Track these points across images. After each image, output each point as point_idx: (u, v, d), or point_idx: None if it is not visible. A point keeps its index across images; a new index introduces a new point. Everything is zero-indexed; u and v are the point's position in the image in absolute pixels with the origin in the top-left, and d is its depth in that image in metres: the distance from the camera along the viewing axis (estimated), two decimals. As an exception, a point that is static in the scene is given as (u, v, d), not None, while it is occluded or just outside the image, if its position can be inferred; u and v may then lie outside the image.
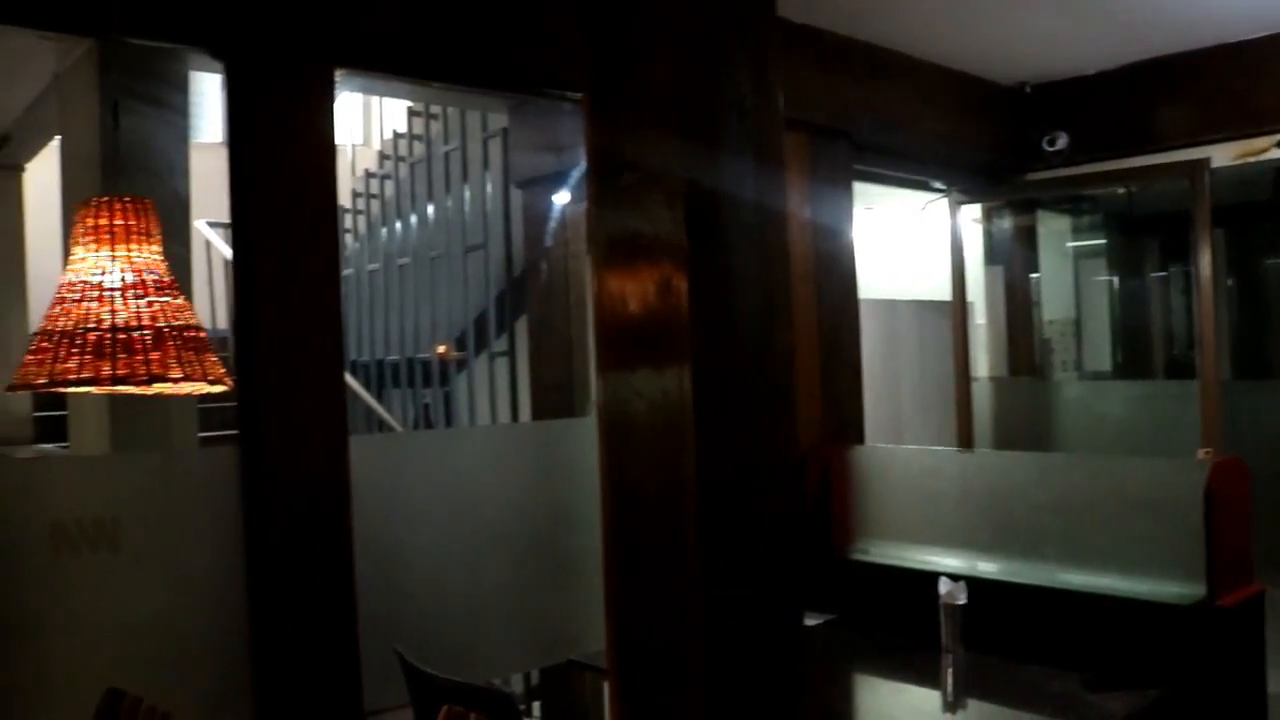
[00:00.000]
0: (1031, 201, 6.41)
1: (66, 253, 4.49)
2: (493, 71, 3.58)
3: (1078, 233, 7.43)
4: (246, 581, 3.08)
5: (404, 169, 7.24)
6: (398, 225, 7.21)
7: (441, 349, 6.64)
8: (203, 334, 1.83)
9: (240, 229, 3.06)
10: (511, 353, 5.91)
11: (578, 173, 5.18)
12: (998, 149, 5.51)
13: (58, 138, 5.75)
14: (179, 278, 2.31)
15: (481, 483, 3.73)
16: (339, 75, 3.24)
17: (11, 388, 1.77)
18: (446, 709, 2.43)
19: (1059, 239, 7.22)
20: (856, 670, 3.77)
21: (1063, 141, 5.27)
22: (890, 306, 6.22)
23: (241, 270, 3.06)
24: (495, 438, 4.23)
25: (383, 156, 7.87)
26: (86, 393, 1.85)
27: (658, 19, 1.78)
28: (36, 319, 5.95)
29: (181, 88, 4.34)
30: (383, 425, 6.43)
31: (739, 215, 1.74)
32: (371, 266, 7.55)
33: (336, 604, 3.12)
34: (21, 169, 6.74)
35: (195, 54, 3.42)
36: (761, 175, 1.78)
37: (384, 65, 3.38)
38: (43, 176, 6.77)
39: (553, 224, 5.29)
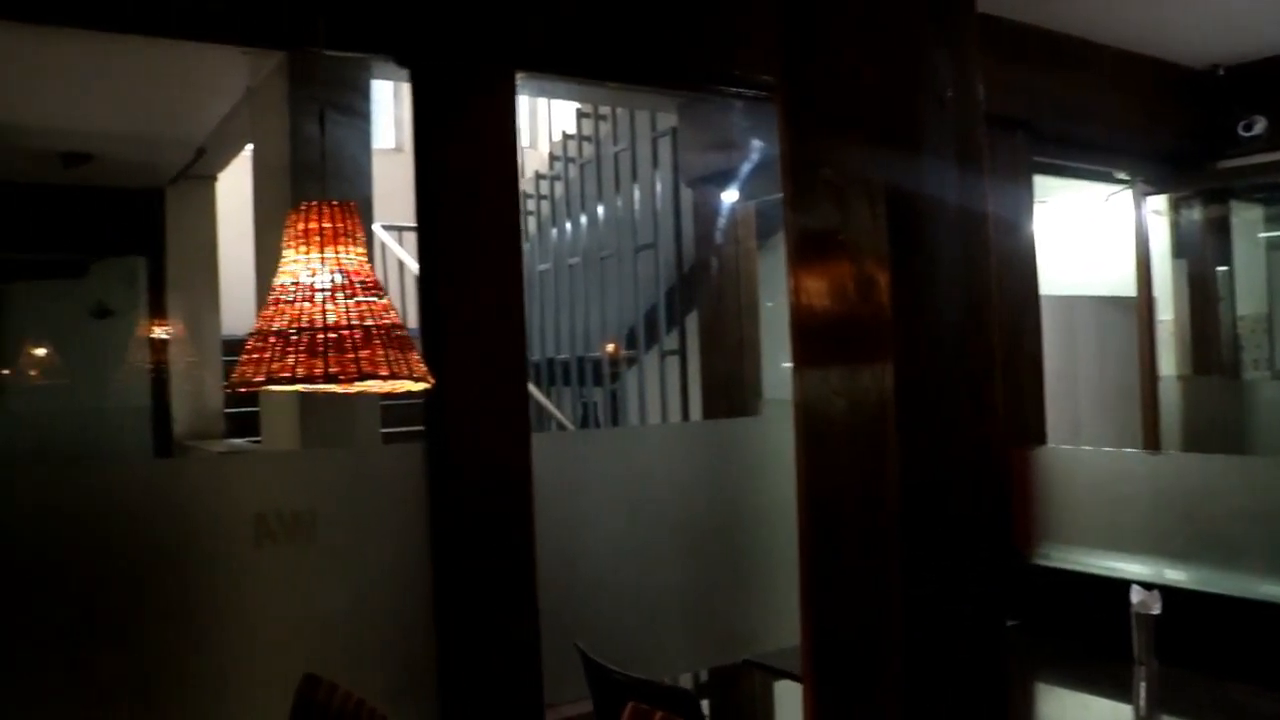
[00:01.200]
0: (1222, 191, 6.08)
1: (259, 256, 4.72)
2: (668, 70, 3.60)
3: (1271, 223, 7.02)
4: (433, 574, 3.17)
5: (573, 170, 7.34)
6: (567, 226, 7.32)
7: (610, 348, 6.71)
8: (405, 333, 1.89)
9: (426, 232, 3.15)
10: (682, 351, 5.93)
11: (747, 170, 5.16)
12: (1187, 136, 5.25)
13: (248, 148, 6.05)
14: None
15: (657, 481, 3.75)
16: (519, 78, 3.30)
17: (230, 386, 1.85)
18: (632, 706, 2.45)
19: (1250, 230, 6.84)
20: (1040, 679, 3.65)
21: (1261, 126, 4.98)
22: (1069, 303, 6.00)
23: (427, 272, 3.15)
24: (670, 436, 4.25)
25: (552, 158, 8.00)
26: (295, 391, 1.92)
27: (853, 11, 1.76)
28: (227, 319, 6.28)
29: (364, 96, 4.50)
30: (556, 424, 6.54)
31: (941, 212, 1.70)
32: (542, 267, 7.69)
33: (519, 598, 3.18)
34: (214, 179, 7.09)
35: (379, 63, 3.54)
36: (963, 170, 1.74)
37: (563, 67, 3.44)
38: (230, 186, 7.14)
39: (723, 222, 5.28)
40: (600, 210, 6.81)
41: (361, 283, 1.88)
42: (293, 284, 1.87)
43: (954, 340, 1.72)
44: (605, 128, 6.82)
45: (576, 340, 7.05)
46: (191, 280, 7.14)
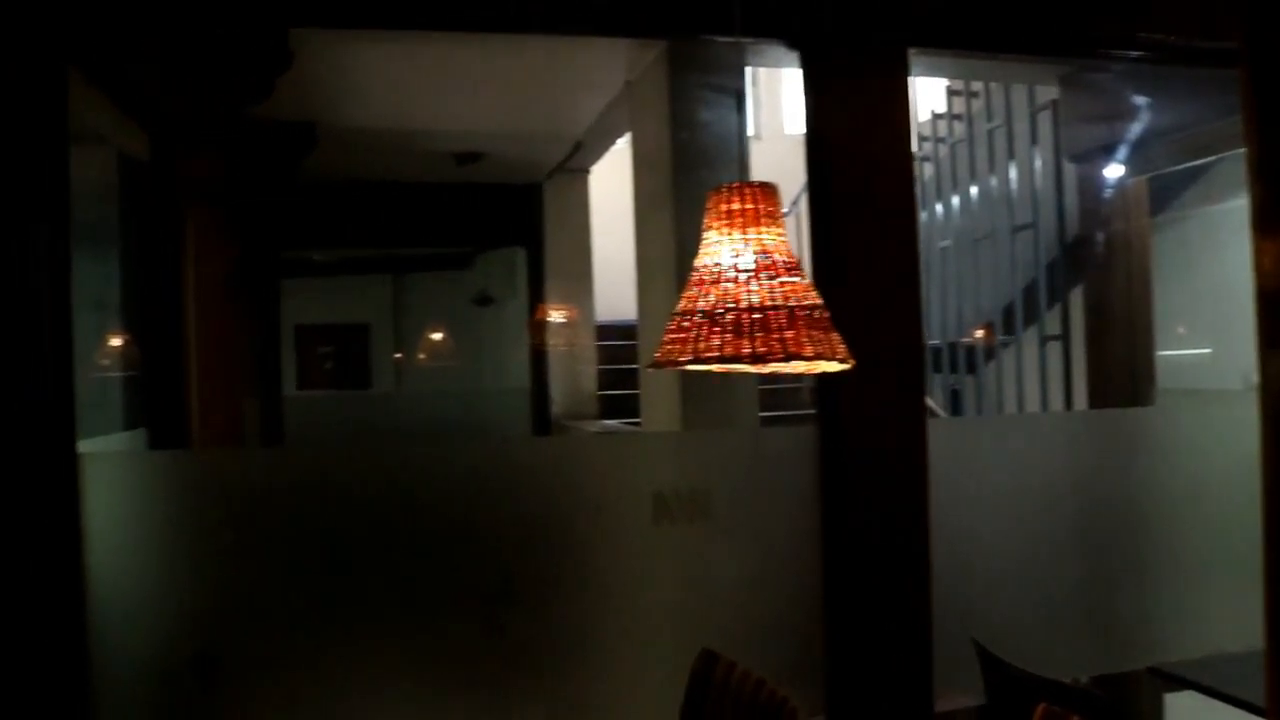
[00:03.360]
0: None
1: (639, 244, 4.87)
2: (1066, 37, 3.38)
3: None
4: (822, 557, 3.15)
5: (942, 150, 7.12)
6: (937, 208, 7.10)
7: (980, 333, 6.45)
8: (826, 314, 1.87)
9: (819, 214, 3.12)
10: (1065, 336, 5.60)
11: (1138, 142, 4.80)
12: None
13: (620, 140, 6.28)
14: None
15: (1048, 472, 3.55)
16: (911, 54, 3.21)
17: (656, 364, 1.90)
18: (1044, 708, 2.32)
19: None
20: None
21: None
22: None
23: (821, 254, 3.12)
24: (1061, 425, 4.01)
25: (920, 139, 7.79)
26: (714, 370, 1.94)
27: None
28: (599, 302, 6.54)
29: (740, 82, 4.55)
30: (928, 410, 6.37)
31: None
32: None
33: (911, 586, 3.11)
34: (587, 172, 7.42)
35: (759, 48, 3.55)
36: None
37: (957, 41, 3.30)
38: (598, 177, 7.44)
39: (1110, 198, 4.94)
40: (973, 190, 6.56)
41: (784, 263, 1.87)
42: (715, 265, 1.89)
43: None
44: (977, 104, 6.55)
45: (948, 325, 6.83)
46: (567, 269, 7.51)
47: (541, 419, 7.53)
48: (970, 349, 6.55)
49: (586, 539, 3.06)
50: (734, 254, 1.88)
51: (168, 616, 2.79)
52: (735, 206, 1.91)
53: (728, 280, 1.86)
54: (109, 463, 2.76)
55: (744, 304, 1.82)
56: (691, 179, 4.38)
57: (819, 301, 1.87)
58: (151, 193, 4.29)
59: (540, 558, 3.03)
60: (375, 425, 8.79)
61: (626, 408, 7.19)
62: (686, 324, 1.87)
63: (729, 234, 1.90)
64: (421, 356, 10.36)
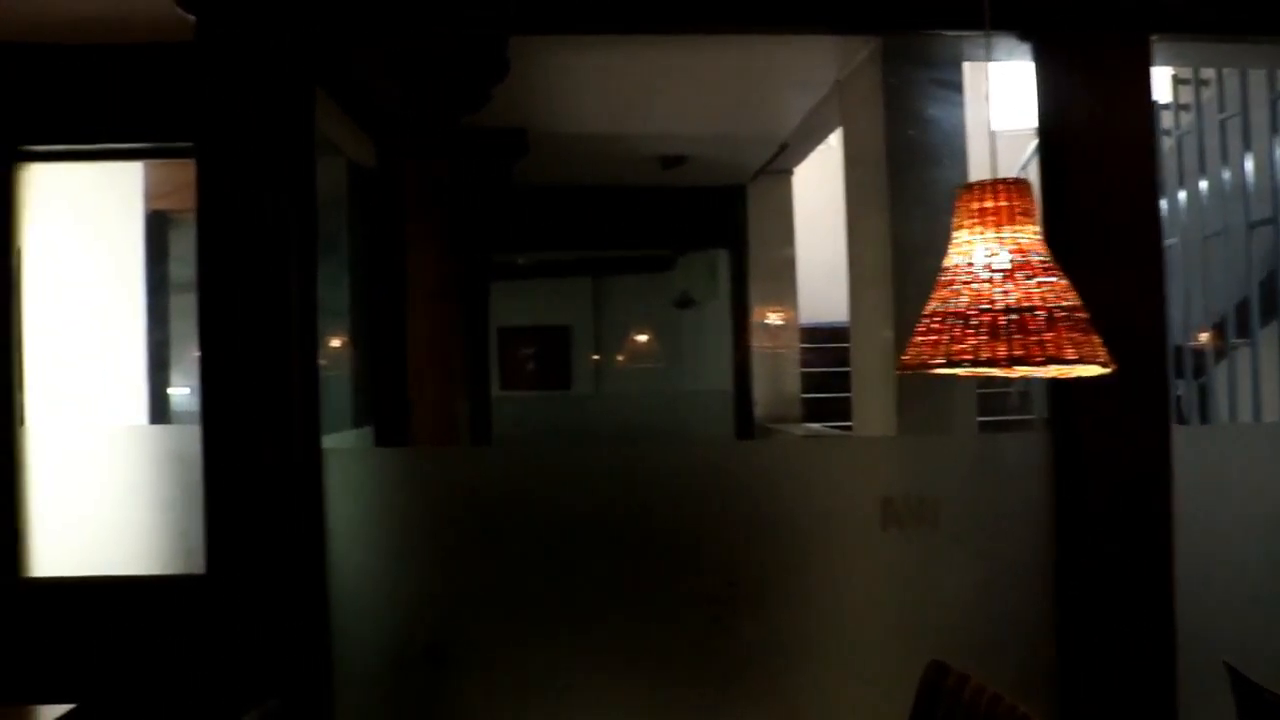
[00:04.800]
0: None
1: (851, 244, 4.80)
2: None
3: None
4: (1055, 568, 3.02)
5: (1167, 142, 6.75)
6: (1162, 204, 6.73)
7: (1205, 336, 6.08)
8: (1086, 315, 1.78)
9: (1054, 211, 3.00)
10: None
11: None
12: None
13: (826, 140, 6.20)
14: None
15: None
16: (1153, 42, 3.05)
17: (904, 368, 1.85)
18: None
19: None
20: None
21: None
22: None
23: (1056, 253, 2.99)
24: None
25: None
26: (965, 374, 1.87)
27: None
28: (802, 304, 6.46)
29: (957, 77, 4.41)
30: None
31: None
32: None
33: (1152, 603, 2.95)
34: (790, 173, 7.37)
35: (974, 41, 3.45)
36: None
37: (1203, 27, 3.12)
38: (800, 178, 7.37)
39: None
40: (1202, 185, 6.19)
41: (1040, 263, 1.79)
42: (967, 264, 1.83)
43: None
44: (1205, 93, 6.17)
45: (1174, 327, 6.46)
46: (771, 271, 7.48)
47: (744, 422, 7.50)
48: (1198, 352, 6.18)
49: (812, 543, 3.02)
50: (987, 253, 1.81)
51: (398, 605, 2.90)
52: (988, 204, 1.84)
53: (981, 280, 1.80)
54: (347, 458, 2.88)
55: (999, 305, 1.75)
56: (910, 178, 4.28)
57: (1078, 302, 1.79)
58: (377, 199, 4.47)
59: (761, 561, 3.01)
60: (576, 426, 8.94)
61: (830, 411, 7.10)
62: (937, 325, 1.82)
63: (981, 233, 1.84)
64: (620, 358, 10.48)
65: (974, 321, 1.75)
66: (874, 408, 4.50)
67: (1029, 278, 1.77)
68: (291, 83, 2.68)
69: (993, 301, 1.76)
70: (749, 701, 3.00)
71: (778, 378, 7.43)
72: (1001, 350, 1.70)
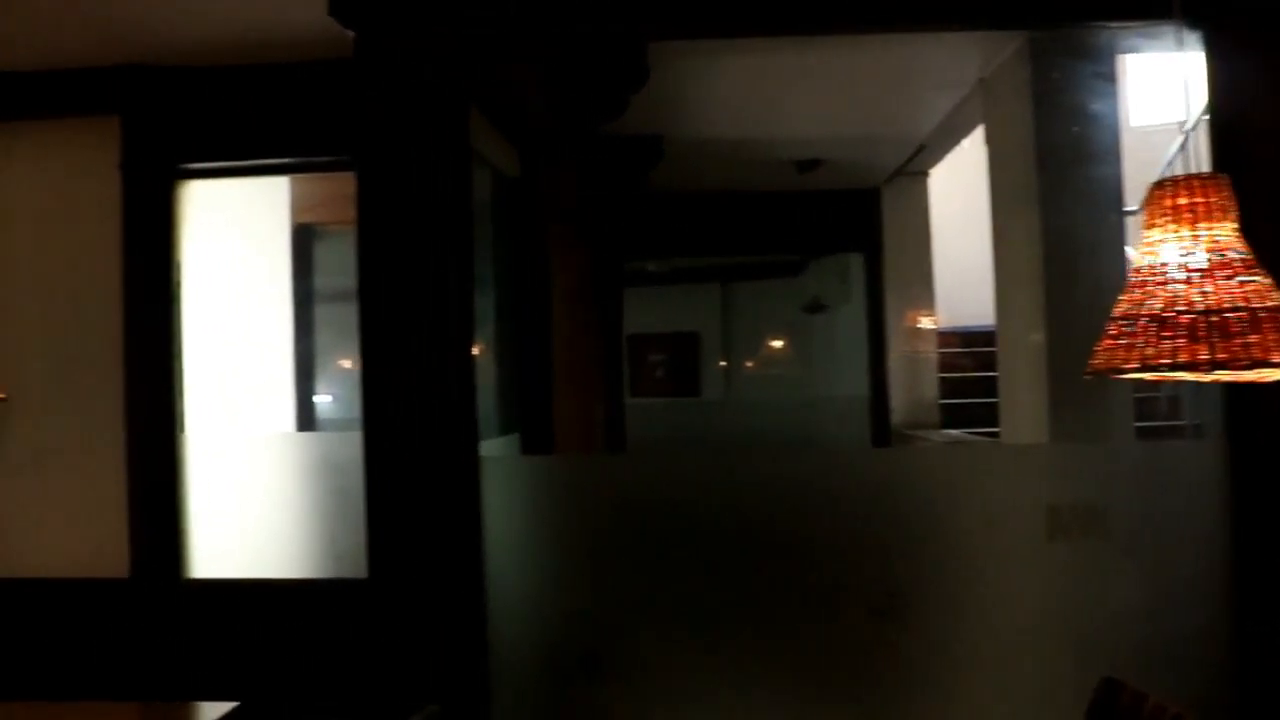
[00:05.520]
0: None
1: (997, 246, 4.67)
2: None
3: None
4: (1233, 581, 2.88)
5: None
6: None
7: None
8: (1290, 315, 1.68)
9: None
10: None
11: None
12: None
13: (964, 141, 6.06)
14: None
15: None
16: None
17: (1093, 372, 1.77)
18: None
19: None
20: None
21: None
22: None
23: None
24: None
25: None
26: (1161, 379, 1.79)
27: None
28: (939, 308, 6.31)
29: (1110, 69, 4.26)
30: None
31: None
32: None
33: (1343, 620, 2.79)
34: (926, 175, 7.23)
35: (1126, 32, 3.32)
36: None
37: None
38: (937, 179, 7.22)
39: None
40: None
41: (1240, 261, 1.70)
42: (1160, 264, 1.74)
43: None
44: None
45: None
46: (907, 274, 7.34)
47: (881, 428, 7.38)
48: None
49: (974, 554, 2.94)
50: (1182, 252, 1.73)
51: (549, 612, 2.91)
52: (1182, 201, 1.76)
53: (1176, 281, 1.72)
54: (501, 466, 2.91)
55: (1198, 306, 1.67)
56: (1062, 175, 4.15)
57: (1281, 302, 1.69)
58: (520, 208, 4.52)
59: (921, 571, 2.94)
60: (706, 432, 8.90)
61: (970, 417, 6.94)
62: (1130, 329, 1.74)
63: (1175, 231, 1.76)
64: (749, 364, 10.41)
65: (1171, 324, 1.67)
66: (1024, 413, 4.37)
67: (1229, 277, 1.68)
68: (449, 96, 2.72)
69: (1191, 303, 1.68)
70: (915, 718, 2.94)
71: (915, 383, 7.29)
72: (1202, 354, 1.62)
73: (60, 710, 3.08)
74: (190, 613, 3.71)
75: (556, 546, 2.93)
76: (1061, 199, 4.11)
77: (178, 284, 4.05)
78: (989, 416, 5.05)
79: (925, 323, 7.28)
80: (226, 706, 2.89)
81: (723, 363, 11.36)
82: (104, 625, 3.70)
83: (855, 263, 8.23)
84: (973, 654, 2.95)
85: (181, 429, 4.02)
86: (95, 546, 3.85)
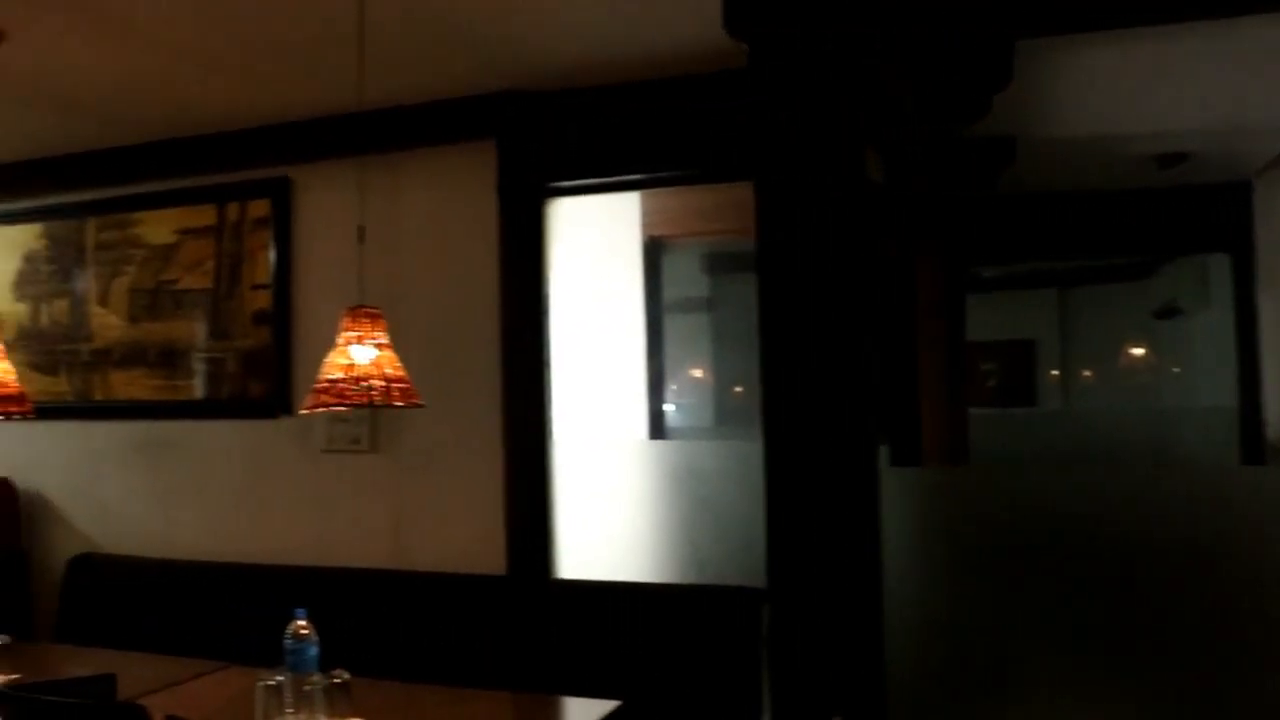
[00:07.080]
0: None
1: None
2: None
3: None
4: None
5: None
6: None
7: None
8: None
9: None
10: None
11: None
12: None
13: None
14: None
15: None
16: None
17: None
18: None
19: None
20: None
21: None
22: None
23: None
24: None
25: None
26: None
27: None
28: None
29: None
30: None
31: None
32: None
33: None
34: None
35: None
36: None
37: None
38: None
39: None
40: None
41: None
42: None
43: None
44: None
45: None
46: (1285, 275, 6.71)
47: (1253, 443, 6.76)
48: None
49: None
50: None
51: (941, 627, 2.85)
52: None
53: None
54: (897, 477, 2.87)
55: None
56: None
57: None
58: (884, 216, 4.47)
59: None
60: (1049, 444, 8.48)
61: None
62: None
63: None
64: (1086, 373, 9.86)
65: None
66: None
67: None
68: (844, 106, 2.72)
69: None
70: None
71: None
72: None
73: (459, 695, 3.30)
74: (562, 611, 3.88)
75: (948, 560, 2.86)
76: None
77: (547, 297, 4.27)
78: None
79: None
80: (610, 705, 3.00)
81: (1054, 372, 10.82)
82: (487, 619, 3.95)
83: (1216, 263, 7.60)
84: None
85: (550, 435, 4.23)
86: (478, 544, 4.12)
